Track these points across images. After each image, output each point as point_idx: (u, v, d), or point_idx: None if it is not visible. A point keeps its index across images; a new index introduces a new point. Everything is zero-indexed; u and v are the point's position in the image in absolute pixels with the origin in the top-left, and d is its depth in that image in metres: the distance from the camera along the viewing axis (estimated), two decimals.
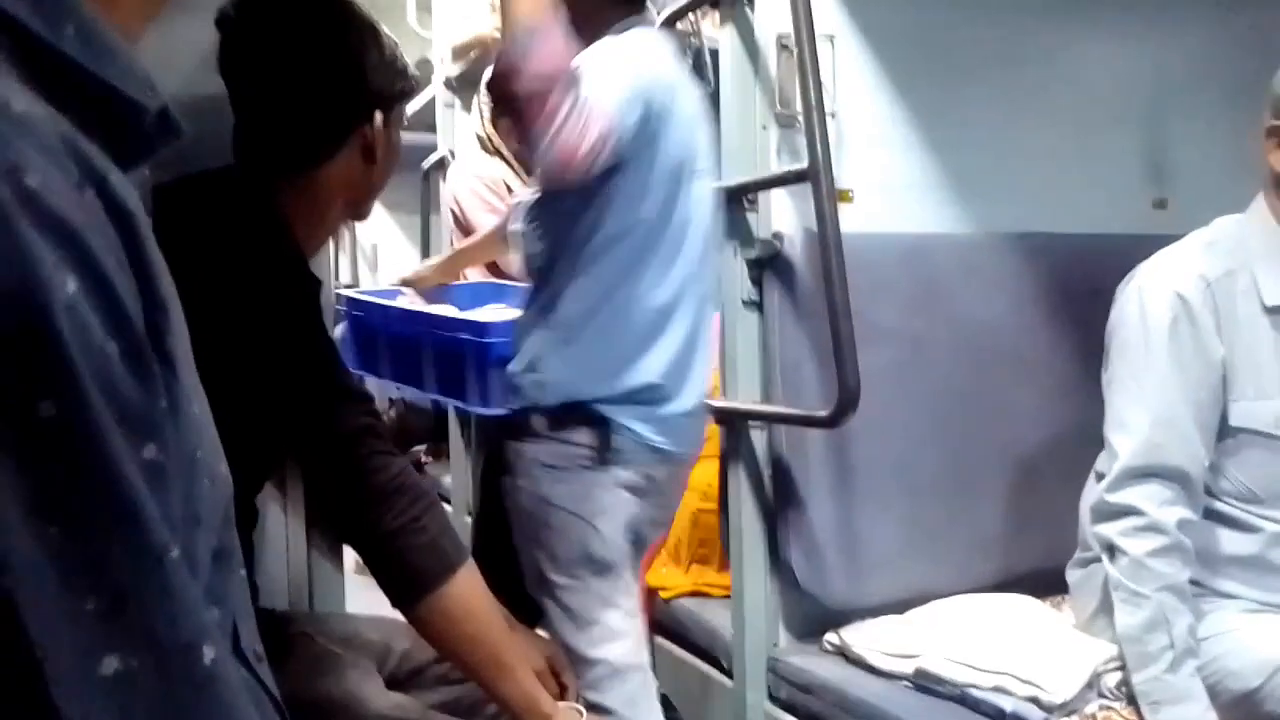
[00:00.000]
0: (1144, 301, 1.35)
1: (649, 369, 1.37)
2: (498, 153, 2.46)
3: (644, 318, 1.36)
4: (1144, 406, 1.33)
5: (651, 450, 1.38)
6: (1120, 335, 1.38)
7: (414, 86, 1.18)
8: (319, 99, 1.07)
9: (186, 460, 0.41)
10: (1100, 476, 1.40)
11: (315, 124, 1.08)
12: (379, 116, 1.11)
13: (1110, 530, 1.33)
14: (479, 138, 2.49)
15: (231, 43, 1.06)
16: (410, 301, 1.91)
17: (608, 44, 1.33)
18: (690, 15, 1.74)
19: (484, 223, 2.29)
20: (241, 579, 0.52)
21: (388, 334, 1.86)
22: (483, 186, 2.41)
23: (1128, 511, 1.31)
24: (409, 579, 1.05)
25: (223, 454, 0.48)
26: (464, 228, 2.39)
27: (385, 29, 1.13)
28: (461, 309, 1.83)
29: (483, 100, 2.46)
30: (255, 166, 1.09)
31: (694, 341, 1.41)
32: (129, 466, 0.36)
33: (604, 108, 1.22)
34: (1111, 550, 1.33)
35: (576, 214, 1.30)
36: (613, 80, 1.25)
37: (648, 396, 1.37)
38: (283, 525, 1.43)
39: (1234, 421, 1.33)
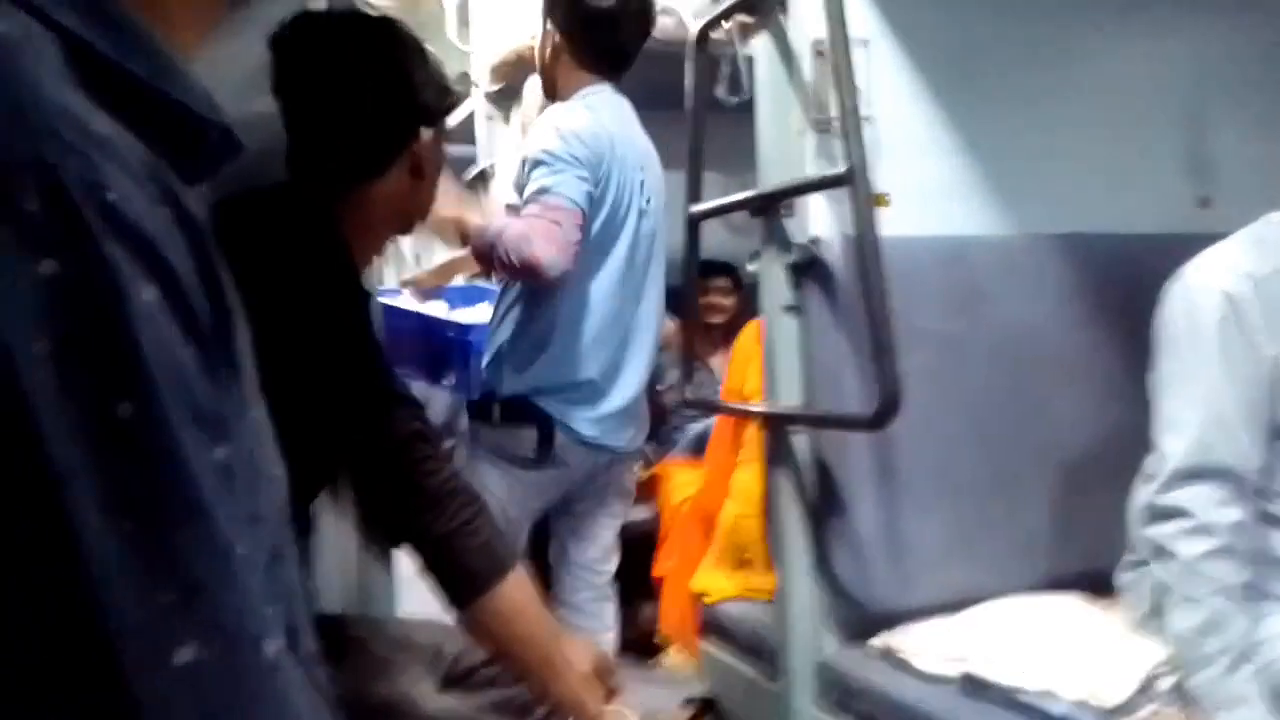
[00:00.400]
0: (1191, 300, 1.34)
1: (589, 367, 1.74)
2: None
3: (588, 324, 1.73)
4: (1193, 407, 1.32)
5: (585, 445, 1.75)
6: (1167, 335, 1.37)
7: (456, 101, 1.21)
8: (371, 117, 1.10)
9: (247, 461, 0.43)
10: (1149, 478, 1.38)
11: (367, 142, 1.11)
12: (426, 133, 1.13)
13: (1160, 533, 1.31)
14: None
15: (285, 63, 1.09)
16: (406, 300, 2.04)
17: (553, 118, 1.71)
18: (724, 24, 1.76)
19: None
20: (296, 579, 0.54)
21: (386, 327, 1.99)
22: None
23: (1178, 514, 1.29)
24: (463, 581, 1.07)
25: (278, 457, 0.49)
26: None
27: (427, 45, 1.15)
28: (453, 308, 2.04)
29: (526, 115, 2.49)
30: (310, 183, 1.13)
31: (628, 345, 1.80)
32: (200, 466, 0.38)
33: (570, 209, 1.65)
34: (1162, 553, 1.31)
35: None
36: (567, 169, 1.65)
37: (586, 394, 1.74)
38: (335, 532, 1.46)
39: None
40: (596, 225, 1.73)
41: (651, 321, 1.87)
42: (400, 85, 1.10)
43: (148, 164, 0.39)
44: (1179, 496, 1.30)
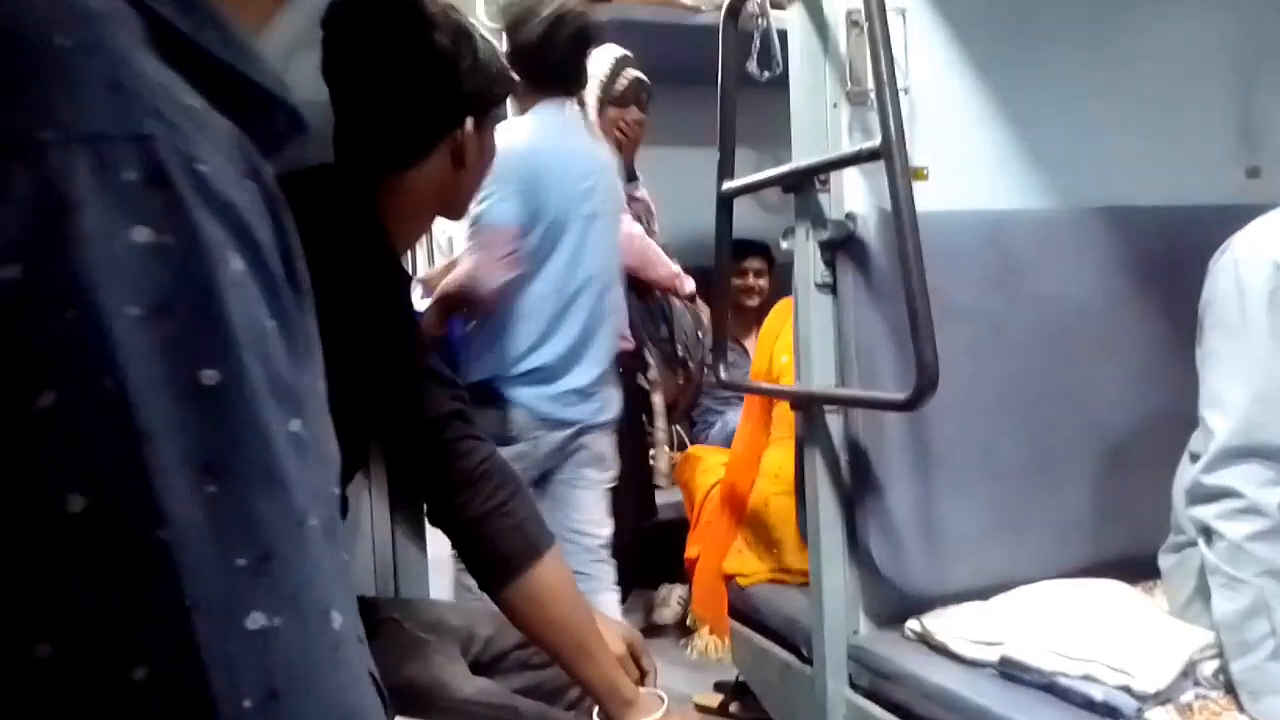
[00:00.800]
0: (1239, 272, 1.30)
1: (545, 354, 1.94)
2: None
3: (537, 318, 1.94)
4: (1242, 383, 1.28)
5: (545, 420, 1.93)
6: (1215, 309, 1.33)
7: (507, 91, 1.18)
8: (411, 102, 1.08)
9: (315, 437, 0.43)
10: (1195, 457, 1.35)
11: (407, 127, 1.09)
12: (470, 121, 1.11)
13: (1207, 513, 1.28)
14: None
15: (334, 45, 1.08)
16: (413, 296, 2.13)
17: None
18: None
19: None
20: (345, 558, 0.53)
21: None
22: None
23: (1225, 493, 1.26)
24: (497, 563, 1.07)
25: (333, 435, 0.50)
26: None
27: (482, 34, 1.13)
28: None
29: (590, 91, 2.48)
30: (353, 165, 1.12)
31: (589, 332, 1.99)
32: (279, 436, 0.39)
33: (497, 229, 1.86)
34: (1208, 534, 1.28)
35: None
36: (495, 191, 1.81)
37: (543, 376, 1.93)
38: (369, 513, 1.46)
39: None
40: (538, 233, 1.93)
41: (613, 309, 2.11)
42: (441, 71, 1.08)
43: (234, 138, 0.41)
44: (1226, 476, 1.26)
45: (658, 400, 2.76)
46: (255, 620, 0.37)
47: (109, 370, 0.35)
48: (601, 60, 2.50)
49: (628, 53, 2.57)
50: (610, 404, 2.10)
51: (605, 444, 2.12)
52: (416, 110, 1.09)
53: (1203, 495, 1.29)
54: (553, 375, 1.96)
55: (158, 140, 0.37)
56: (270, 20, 0.51)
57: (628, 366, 2.49)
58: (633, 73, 2.53)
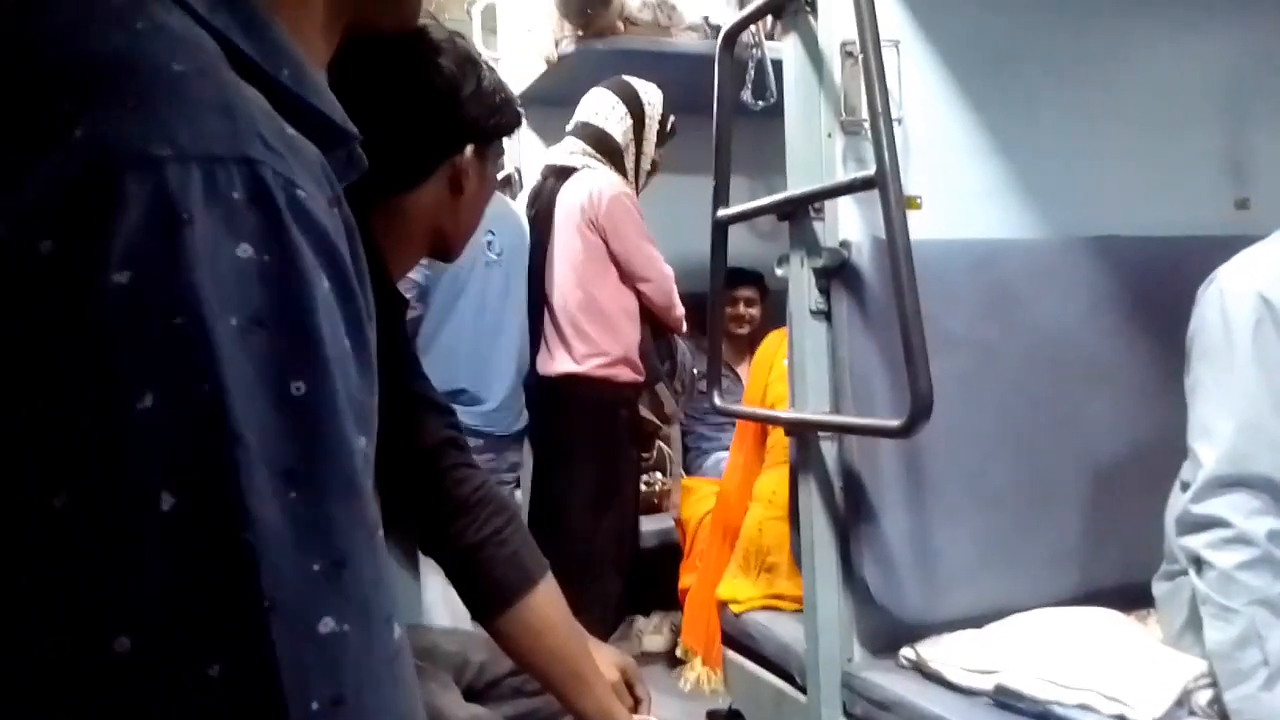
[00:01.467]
0: (1225, 304, 1.31)
1: (459, 380, 2.19)
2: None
3: (454, 352, 2.20)
4: (1229, 413, 1.29)
5: (473, 433, 1.98)
6: (1202, 339, 1.34)
7: (512, 122, 1.17)
8: (411, 123, 1.07)
9: (373, 455, 0.45)
10: (1185, 486, 1.35)
11: (406, 148, 1.08)
12: (471, 149, 1.11)
13: (1196, 543, 1.28)
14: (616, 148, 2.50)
15: (337, 62, 1.08)
16: None
17: None
18: (752, 26, 1.74)
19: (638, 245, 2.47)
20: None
21: None
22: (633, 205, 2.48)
23: (1214, 523, 1.26)
24: (491, 592, 1.06)
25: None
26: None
27: (488, 64, 1.13)
28: None
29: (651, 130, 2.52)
30: (351, 185, 1.11)
31: (489, 363, 2.28)
32: (356, 448, 0.41)
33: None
34: (1199, 563, 1.28)
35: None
36: None
37: (464, 399, 2.19)
38: None
39: None
40: (444, 280, 2.20)
41: (513, 342, 2.40)
42: (446, 95, 1.07)
43: (322, 166, 0.43)
44: (1215, 505, 1.27)
45: (673, 431, 2.78)
46: (326, 624, 0.38)
47: (208, 376, 0.36)
48: (655, 98, 2.53)
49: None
50: (518, 417, 2.40)
51: (516, 453, 2.41)
52: (416, 131, 1.08)
53: (1192, 525, 1.29)
54: (473, 400, 2.23)
55: (262, 164, 0.39)
56: (328, 60, 0.55)
57: (628, 399, 2.50)
58: (671, 115, 2.57)
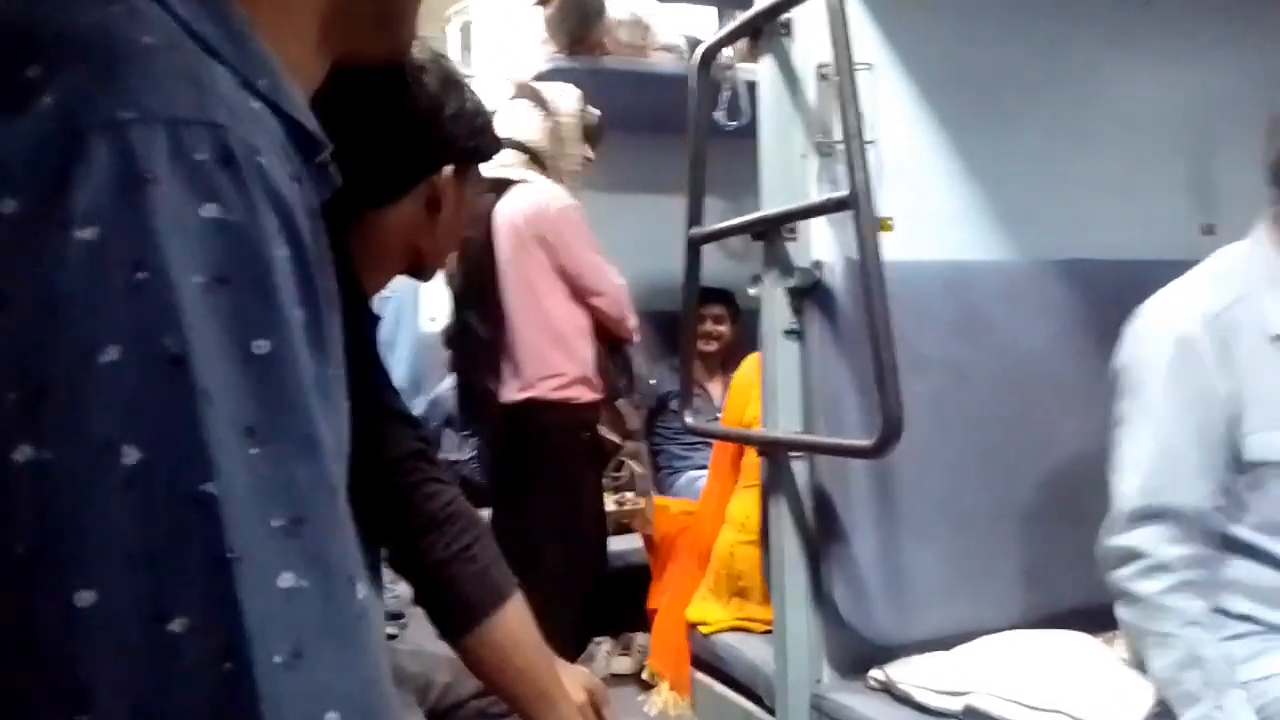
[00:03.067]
0: (1142, 342, 1.33)
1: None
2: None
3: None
4: (1144, 449, 1.30)
5: None
6: (1124, 377, 1.35)
7: (491, 146, 1.16)
8: (388, 144, 1.06)
9: (333, 427, 0.45)
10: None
11: (380, 168, 1.07)
12: (450, 169, 1.10)
13: (1120, 576, 1.30)
14: (558, 167, 2.46)
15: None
16: None
17: None
18: (726, 49, 1.75)
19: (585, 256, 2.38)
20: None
21: None
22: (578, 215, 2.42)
23: (1133, 555, 1.28)
24: (460, 609, 1.04)
25: (346, 453, 0.51)
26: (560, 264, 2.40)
27: (471, 87, 1.12)
28: None
29: (571, 131, 2.46)
30: (327, 200, 1.10)
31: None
32: (317, 410, 0.41)
33: None
34: (1125, 596, 1.30)
35: None
36: None
37: None
38: None
39: (1250, 455, 1.28)
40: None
41: (402, 374, 2.52)
42: (426, 114, 1.06)
43: (284, 142, 0.45)
44: (1132, 537, 1.29)
45: (641, 447, 2.73)
46: (286, 579, 0.38)
47: (172, 331, 0.37)
48: (569, 98, 2.47)
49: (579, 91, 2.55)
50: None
51: None
52: (396, 150, 1.08)
53: (1113, 559, 1.31)
54: None
55: (227, 129, 0.40)
56: (316, 84, 0.57)
57: (587, 420, 2.44)
58: (594, 111, 2.51)
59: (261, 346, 0.39)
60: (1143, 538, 1.28)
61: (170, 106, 0.39)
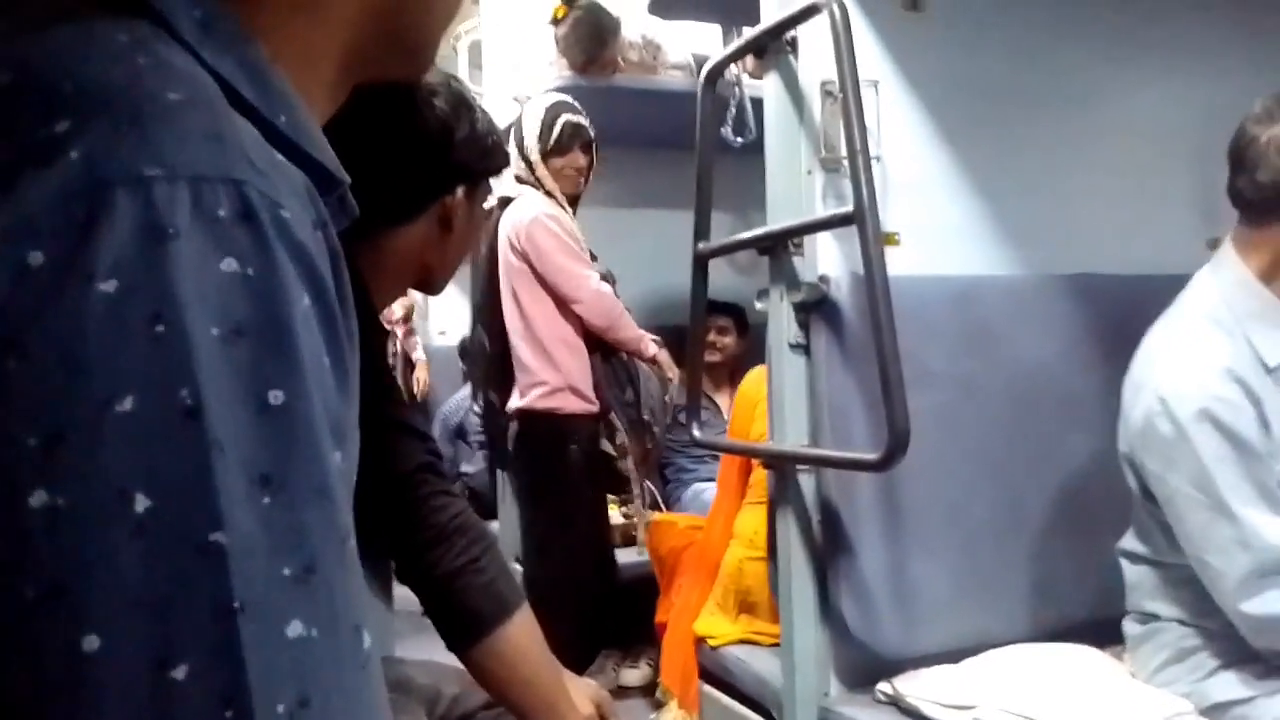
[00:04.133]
0: (1173, 410, 1.30)
1: None
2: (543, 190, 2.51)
3: None
4: (1229, 511, 1.26)
5: None
6: (1159, 451, 1.32)
7: (501, 164, 1.18)
8: (400, 167, 1.07)
9: (348, 470, 0.46)
10: (1133, 557, 1.40)
11: (393, 190, 1.08)
12: (461, 190, 1.12)
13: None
14: (534, 179, 2.49)
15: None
16: None
17: None
18: (732, 66, 1.77)
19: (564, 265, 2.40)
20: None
21: None
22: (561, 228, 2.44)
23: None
24: (467, 621, 1.05)
25: (353, 479, 0.51)
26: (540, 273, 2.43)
27: (482, 107, 1.14)
28: None
29: (530, 147, 2.49)
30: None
31: None
32: (330, 459, 0.42)
33: None
34: None
35: None
36: None
37: None
38: None
39: None
40: None
41: None
42: (439, 138, 1.08)
43: (308, 190, 0.45)
44: (1270, 598, 1.24)
45: (630, 466, 2.74)
46: (295, 628, 0.38)
47: (188, 381, 0.37)
48: (533, 112, 2.51)
49: (563, 98, 2.56)
50: None
51: None
52: (408, 172, 1.09)
53: (1261, 626, 1.27)
54: None
55: (248, 185, 0.41)
56: (329, 115, 0.57)
57: (578, 431, 2.46)
58: (566, 118, 2.51)
59: (277, 397, 0.39)
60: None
61: (194, 164, 0.40)
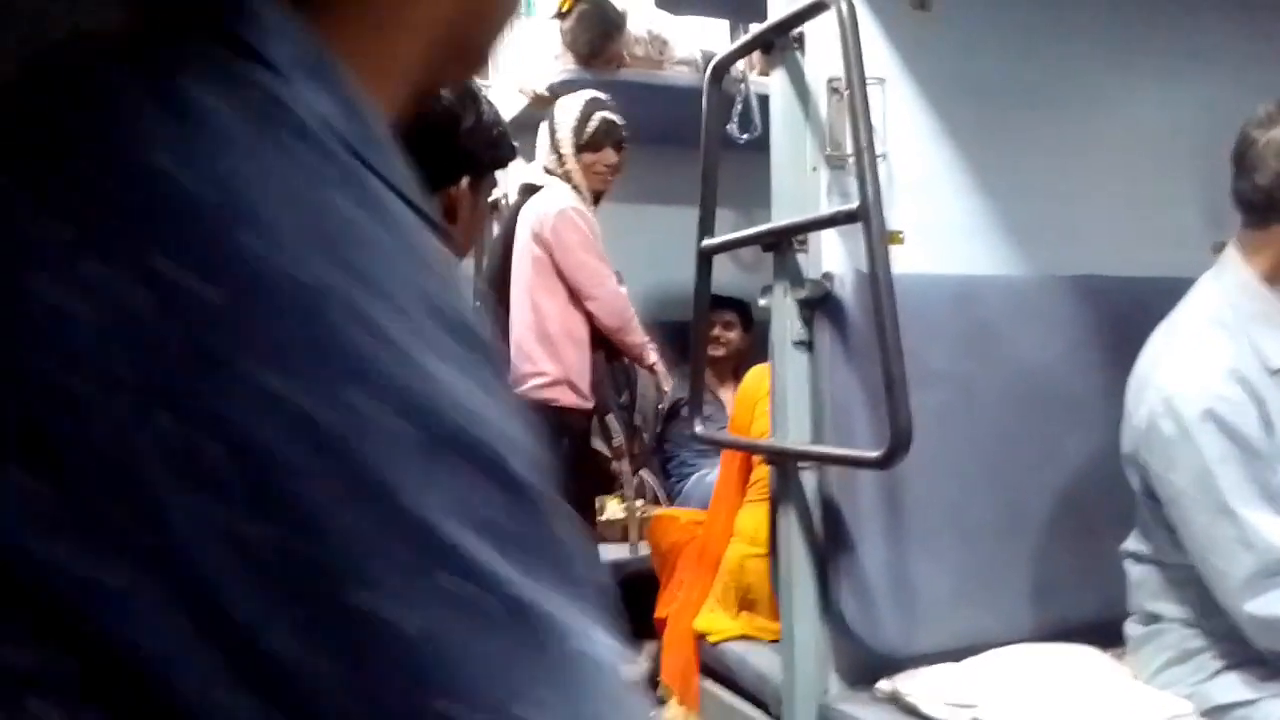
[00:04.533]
0: (1177, 409, 1.30)
1: None
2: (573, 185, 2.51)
3: None
4: (1230, 511, 1.27)
5: None
6: (1162, 451, 1.33)
7: (507, 157, 1.18)
8: (408, 153, 1.07)
9: None
10: (1136, 558, 1.40)
11: None
12: (465, 180, 1.12)
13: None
14: (563, 172, 2.50)
15: None
16: None
17: None
18: (738, 62, 1.77)
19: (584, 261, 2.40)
20: None
21: None
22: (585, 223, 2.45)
23: None
24: None
25: None
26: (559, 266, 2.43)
27: (488, 99, 1.14)
28: None
29: (564, 140, 2.49)
30: None
31: None
32: None
33: None
34: None
35: None
36: None
37: None
38: None
39: None
40: None
41: None
42: (445, 128, 1.08)
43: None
44: (1274, 600, 1.25)
45: (624, 466, 2.73)
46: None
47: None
48: (570, 107, 2.52)
49: (599, 95, 2.57)
50: None
51: None
52: (414, 161, 1.09)
53: (1266, 625, 1.27)
54: None
55: None
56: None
57: (570, 426, 2.46)
58: (601, 115, 2.52)
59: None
60: None
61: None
